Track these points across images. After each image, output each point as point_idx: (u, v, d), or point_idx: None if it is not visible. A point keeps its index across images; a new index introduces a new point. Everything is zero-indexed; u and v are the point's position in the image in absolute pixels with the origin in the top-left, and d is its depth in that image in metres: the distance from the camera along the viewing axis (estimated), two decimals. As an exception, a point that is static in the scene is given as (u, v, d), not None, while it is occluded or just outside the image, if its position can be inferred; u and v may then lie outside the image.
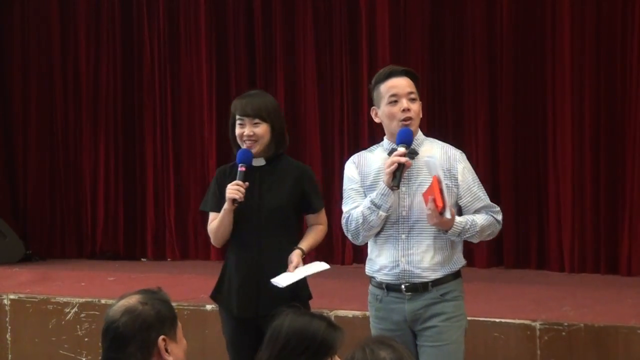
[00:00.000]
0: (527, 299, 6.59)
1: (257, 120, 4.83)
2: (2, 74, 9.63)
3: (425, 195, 4.37)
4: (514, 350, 5.77)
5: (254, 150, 4.83)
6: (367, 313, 5.99)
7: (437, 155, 4.49)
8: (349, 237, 4.58)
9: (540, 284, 7.21)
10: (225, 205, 4.78)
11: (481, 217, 4.50)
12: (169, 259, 9.11)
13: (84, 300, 7.01)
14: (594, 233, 7.61)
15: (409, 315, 4.48)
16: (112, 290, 7.16)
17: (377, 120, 4.60)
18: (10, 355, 7.16)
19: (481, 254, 7.72)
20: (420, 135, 4.56)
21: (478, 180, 4.58)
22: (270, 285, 4.68)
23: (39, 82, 9.52)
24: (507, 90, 7.89)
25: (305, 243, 4.86)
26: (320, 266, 4.80)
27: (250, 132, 4.83)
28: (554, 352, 5.69)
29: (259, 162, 4.87)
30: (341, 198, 4.69)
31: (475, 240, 4.57)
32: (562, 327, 5.69)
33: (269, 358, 3.16)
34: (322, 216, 4.97)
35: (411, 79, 4.55)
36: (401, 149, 4.39)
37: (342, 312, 6.11)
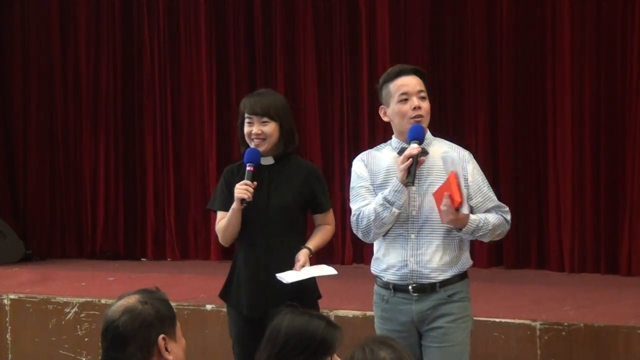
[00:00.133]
0: (527, 299, 6.59)
1: (265, 119, 4.83)
2: (2, 74, 9.63)
3: (436, 194, 4.36)
4: (514, 350, 5.77)
5: (262, 149, 4.84)
6: (368, 313, 6.03)
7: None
8: (360, 234, 4.54)
9: (540, 284, 7.21)
10: (234, 205, 4.79)
11: (493, 216, 4.50)
12: (169, 259, 9.11)
13: (84, 300, 7.01)
14: (594, 233, 7.61)
15: (416, 316, 4.48)
16: (112, 290, 7.16)
17: (385, 119, 4.58)
18: (10, 355, 7.16)
19: (481, 254, 7.72)
20: (429, 135, 4.55)
21: (486, 180, 4.58)
22: (278, 284, 4.69)
23: (39, 82, 9.52)
24: (507, 90, 7.89)
25: (313, 242, 4.87)
26: (327, 270, 4.78)
27: (258, 130, 4.83)
28: (554, 352, 5.69)
29: (267, 161, 4.88)
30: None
31: (486, 239, 4.57)
32: (562, 327, 5.69)
33: (269, 357, 3.16)
34: (330, 216, 4.99)
35: (420, 77, 4.55)
36: (414, 145, 4.37)
37: (342, 312, 6.11)
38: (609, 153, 7.59)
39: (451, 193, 4.27)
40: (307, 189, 4.86)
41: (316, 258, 5.04)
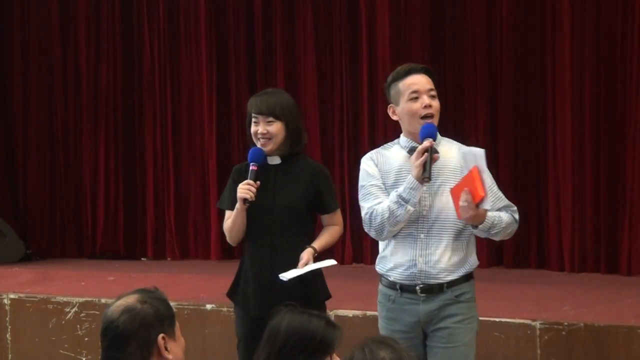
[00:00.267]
0: (527, 298, 6.59)
1: (270, 119, 4.83)
2: (2, 74, 9.63)
3: (453, 191, 4.35)
4: (514, 350, 5.77)
5: (267, 148, 4.84)
6: (368, 313, 6.03)
7: (454, 156, 4.48)
8: (372, 232, 4.50)
9: (540, 284, 7.21)
10: (237, 205, 4.81)
11: (505, 215, 4.49)
12: (169, 259, 9.11)
13: (84, 299, 7.01)
14: (594, 233, 7.61)
15: (423, 317, 4.47)
16: (112, 289, 7.15)
17: (395, 117, 4.57)
18: (10, 355, 7.16)
19: (481, 254, 7.63)
20: (438, 134, 4.55)
21: (494, 180, 4.58)
22: (283, 284, 4.70)
23: (39, 82, 9.52)
24: (507, 90, 7.89)
25: (319, 242, 4.86)
26: (327, 262, 4.79)
27: (264, 130, 4.83)
28: (554, 352, 5.69)
29: (274, 160, 4.88)
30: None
31: (497, 238, 4.56)
32: (562, 326, 5.69)
33: (268, 357, 3.16)
34: (337, 217, 4.97)
35: (429, 76, 4.55)
36: (427, 141, 4.35)
37: (342, 312, 6.11)
38: (609, 153, 7.59)
39: (474, 188, 4.24)
40: (312, 189, 4.85)
41: (318, 258, 5.03)
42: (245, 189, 4.76)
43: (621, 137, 7.54)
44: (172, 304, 3.19)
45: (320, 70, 8.56)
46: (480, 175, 4.27)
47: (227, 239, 5.00)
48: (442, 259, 4.46)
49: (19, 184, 9.63)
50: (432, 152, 4.34)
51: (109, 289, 7.30)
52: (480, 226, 4.39)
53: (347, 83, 8.46)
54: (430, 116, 4.47)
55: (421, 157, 4.33)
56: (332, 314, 6.04)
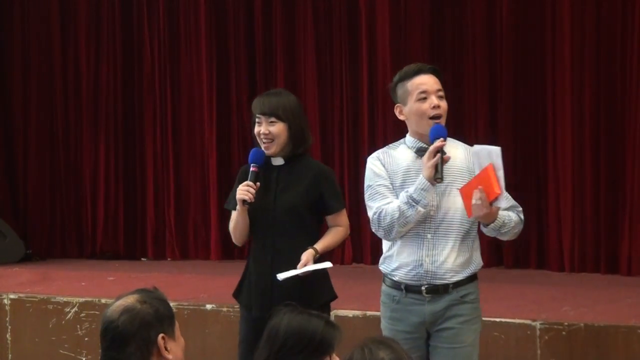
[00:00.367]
0: (527, 298, 6.59)
1: (272, 119, 4.83)
2: (2, 74, 9.62)
3: (463, 189, 4.34)
4: (514, 350, 5.77)
5: (270, 150, 4.84)
6: (368, 313, 6.03)
7: (460, 156, 4.48)
8: (381, 233, 4.49)
9: (540, 284, 7.21)
10: (238, 206, 4.81)
11: (513, 214, 4.48)
12: (169, 259, 9.11)
13: (84, 300, 7.01)
14: (594, 233, 7.61)
15: (429, 317, 4.47)
16: (112, 290, 7.15)
17: (401, 117, 4.55)
18: (10, 355, 7.16)
19: (481, 254, 7.70)
20: None
21: None
22: (284, 285, 4.71)
23: (39, 82, 9.52)
24: (507, 90, 7.89)
25: (320, 244, 4.83)
26: (322, 264, 4.79)
27: (266, 130, 4.84)
28: (554, 352, 5.69)
29: (277, 161, 4.89)
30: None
31: (506, 237, 4.55)
32: (562, 326, 5.69)
33: (268, 357, 3.16)
34: (342, 218, 4.94)
35: (437, 77, 4.53)
36: (439, 141, 4.34)
37: (342, 312, 6.10)
38: (609, 153, 7.59)
39: (489, 185, 4.23)
40: (314, 190, 4.84)
41: (321, 259, 5.02)
42: (244, 191, 4.77)
43: (621, 137, 7.54)
44: (172, 304, 3.20)
45: (320, 70, 8.56)
46: (495, 173, 4.26)
47: (232, 239, 5.02)
48: (449, 259, 4.45)
49: (19, 184, 9.63)
50: (442, 154, 4.34)
51: (109, 289, 7.30)
52: (492, 225, 4.38)
53: (347, 83, 8.45)
54: (439, 117, 4.46)
55: (433, 158, 4.32)
56: (332, 314, 6.03)
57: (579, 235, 7.63)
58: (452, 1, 8.10)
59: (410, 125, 4.55)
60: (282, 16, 8.66)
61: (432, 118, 4.45)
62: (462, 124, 7.97)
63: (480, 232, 4.58)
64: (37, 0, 9.50)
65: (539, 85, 7.80)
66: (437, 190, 4.42)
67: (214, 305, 6.56)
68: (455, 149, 4.51)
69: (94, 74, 9.34)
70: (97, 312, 6.79)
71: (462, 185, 4.40)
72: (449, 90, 7.95)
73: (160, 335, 3.08)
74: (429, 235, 4.45)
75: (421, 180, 4.36)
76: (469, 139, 7.78)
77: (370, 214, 4.52)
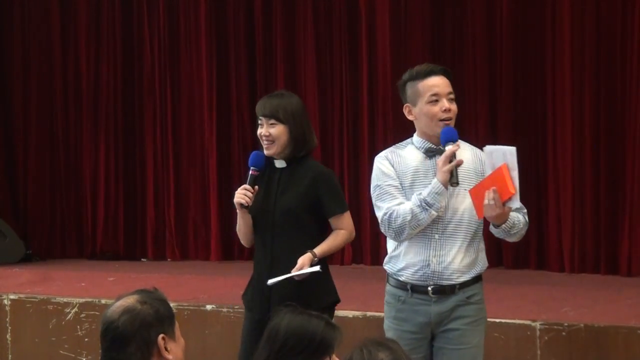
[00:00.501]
0: (526, 299, 6.60)
1: (272, 121, 4.83)
2: (2, 74, 9.62)
3: (473, 191, 4.33)
4: (514, 351, 5.77)
5: (271, 151, 4.85)
6: (368, 313, 6.03)
7: (467, 157, 4.46)
8: (391, 233, 4.47)
9: (540, 284, 7.21)
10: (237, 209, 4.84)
11: (520, 216, 4.48)
12: (169, 259, 9.10)
13: (84, 300, 7.01)
14: (594, 233, 7.61)
15: (435, 317, 4.46)
16: (112, 290, 7.15)
17: (410, 117, 4.53)
18: (10, 356, 7.16)
19: (482, 254, 7.72)
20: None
21: None
22: (282, 288, 4.73)
23: (39, 82, 9.52)
24: (507, 90, 7.89)
25: (320, 247, 4.81)
26: (311, 268, 4.74)
27: (266, 132, 4.84)
28: (554, 353, 5.69)
29: (280, 163, 4.89)
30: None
31: (513, 239, 4.55)
32: (562, 327, 5.69)
33: (268, 357, 3.16)
34: (343, 221, 4.89)
35: (448, 78, 4.52)
36: (451, 146, 4.34)
37: (342, 312, 6.09)
38: (609, 153, 7.59)
39: (504, 185, 4.21)
40: (312, 192, 4.83)
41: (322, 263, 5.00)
42: (241, 194, 4.80)
43: (621, 137, 7.54)
44: (172, 304, 3.19)
45: (320, 70, 8.56)
46: (510, 173, 4.25)
47: (241, 241, 5.06)
48: (456, 260, 4.45)
49: (19, 184, 9.63)
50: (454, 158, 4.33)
51: (109, 290, 7.30)
52: (503, 225, 4.37)
53: (347, 83, 8.45)
54: (449, 120, 4.45)
55: (449, 162, 4.31)
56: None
57: (579, 236, 7.63)
58: (452, 1, 8.10)
59: (419, 126, 4.53)
60: (282, 16, 8.66)
61: (443, 121, 4.44)
62: (462, 124, 7.89)
63: (484, 233, 4.58)
64: (37, 0, 9.50)
65: (539, 85, 7.80)
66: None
67: (214, 306, 6.56)
68: (463, 150, 4.49)
69: (94, 74, 9.34)
70: (97, 313, 6.78)
71: (469, 186, 4.38)
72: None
73: (161, 335, 3.08)
74: (436, 236, 4.45)
75: (436, 184, 4.35)
76: (469, 139, 7.75)
77: (379, 214, 4.49)
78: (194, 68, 9.00)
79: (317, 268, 4.75)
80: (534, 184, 7.84)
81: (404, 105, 4.54)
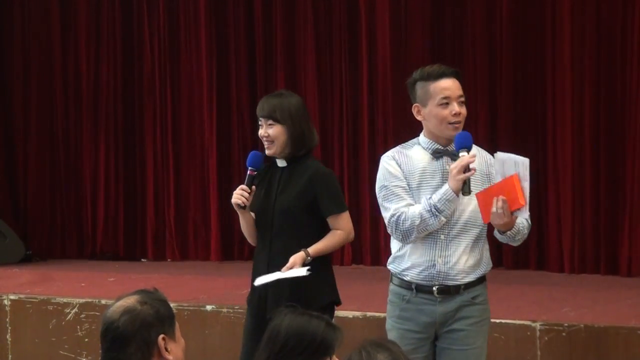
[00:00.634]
0: (527, 299, 6.59)
1: (270, 122, 4.84)
2: (2, 74, 9.62)
3: (480, 195, 4.32)
4: (514, 351, 5.77)
5: (270, 151, 4.86)
6: (368, 314, 6.03)
7: (476, 160, 4.44)
8: (398, 235, 4.45)
9: (540, 285, 7.21)
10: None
11: (524, 220, 4.49)
12: (169, 260, 9.10)
13: (84, 300, 7.01)
14: (594, 233, 7.61)
15: (439, 317, 4.46)
16: (112, 290, 7.15)
17: (419, 117, 4.50)
18: (10, 356, 7.16)
19: (481, 255, 7.72)
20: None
21: None
22: (276, 287, 4.73)
23: (39, 82, 9.52)
24: (507, 90, 7.89)
25: (314, 246, 4.79)
26: (300, 271, 4.72)
27: (265, 133, 4.86)
28: (554, 353, 5.69)
29: (281, 163, 4.90)
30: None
31: (516, 244, 4.56)
32: (562, 327, 5.69)
33: (268, 358, 3.16)
34: (340, 221, 4.86)
35: (459, 80, 4.51)
36: (465, 154, 4.32)
37: (342, 313, 6.09)
38: (609, 153, 7.59)
39: (514, 196, 4.22)
40: (309, 191, 4.82)
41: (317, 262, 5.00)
42: (238, 195, 4.82)
43: (621, 137, 7.54)
44: (172, 305, 3.19)
45: (320, 70, 8.56)
46: (520, 184, 4.24)
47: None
48: (461, 260, 4.45)
49: (19, 184, 9.63)
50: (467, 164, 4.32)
51: (109, 290, 7.30)
52: (509, 232, 4.39)
53: (347, 83, 8.45)
54: (458, 123, 4.44)
55: (463, 172, 4.28)
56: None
57: (579, 236, 7.63)
58: (452, 1, 8.10)
59: (427, 127, 4.51)
60: (282, 16, 8.66)
61: (452, 124, 4.42)
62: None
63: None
64: (37, 0, 9.50)
65: (539, 85, 7.80)
66: None
67: (214, 306, 6.56)
68: (471, 152, 4.48)
69: (94, 74, 9.34)
70: (97, 313, 6.78)
71: (475, 187, 4.37)
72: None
73: (161, 336, 3.08)
74: (442, 237, 4.44)
75: (447, 191, 4.33)
76: (469, 140, 7.85)
77: (386, 215, 4.47)
78: (194, 68, 8.99)
79: (304, 271, 4.69)
80: (533, 184, 7.81)
81: (413, 105, 4.52)
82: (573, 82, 7.64)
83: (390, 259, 4.59)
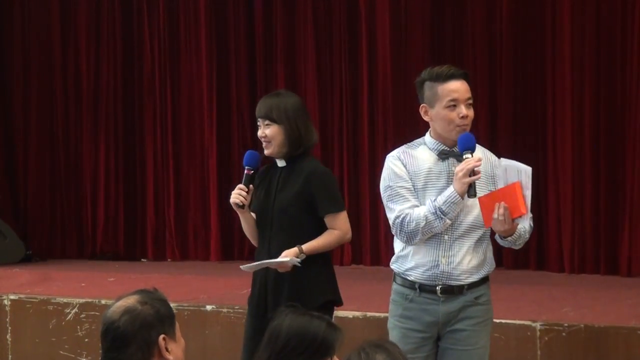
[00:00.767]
0: (527, 299, 6.59)
1: (267, 122, 4.84)
2: (2, 74, 9.62)
3: (482, 199, 4.31)
4: (514, 351, 5.77)
5: (270, 151, 4.86)
6: (368, 314, 6.03)
7: (480, 163, 4.44)
8: (403, 237, 4.44)
9: (540, 285, 7.21)
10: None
11: (527, 226, 4.49)
12: (169, 260, 9.11)
13: (84, 300, 7.01)
14: (594, 233, 7.61)
15: (442, 317, 4.46)
16: (112, 290, 7.15)
17: (426, 118, 4.48)
18: (10, 356, 7.16)
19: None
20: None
21: None
22: (275, 285, 4.74)
23: (39, 82, 9.52)
24: (507, 91, 7.89)
25: (309, 244, 4.78)
26: (285, 258, 4.71)
27: (262, 133, 4.86)
28: (554, 353, 5.69)
29: (281, 162, 4.90)
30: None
31: (517, 247, 4.57)
32: (562, 327, 5.69)
33: (269, 357, 3.16)
34: (337, 221, 4.85)
35: (467, 82, 4.50)
36: (469, 156, 4.31)
37: (342, 313, 6.09)
38: (609, 153, 7.59)
39: (516, 204, 4.23)
40: (306, 190, 4.81)
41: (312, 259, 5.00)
42: (235, 194, 4.83)
43: (621, 137, 7.54)
44: (172, 305, 3.19)
45: (320, 70, 8.56)
46: (523, 192, 4.24)
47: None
48: (464, 261, 4.45)
49: (19, 184, 9.63)
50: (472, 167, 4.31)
51: (109, 290, 7.30)
52: (510, 238, 4.39)
53: (347, 83, 8.45)
54: (465, 126, 4.42)
55: (468, 176, 4.27)
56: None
57: (579, 236, 7.63)
58: (452, 1, 8.10)
59: (434, 128, 4.48)
60: (282, 16, 8.66)
61: (460, 126, 4.41)
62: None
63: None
64: (37, 0, 9.50)
65: (539, 85, 7.80)
66: None
67: (214, 306, 6.56)
68: (474, 153, 4.47)
69: (94, 74, 9.35)
70: (97, 313, 6.78)
71: (479, 188, 4.36)
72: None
73: (161, 335, 3.08)
74: (446, 237, 4.43)
75: (452, 194, 4.32)
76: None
77: (391, 216, 4.46)
78: (194, 68, 9.00)
79: (295, 261, 4.69)
80: (533, 184, 7.81)
81: (421, 105, 4.49)
82: (573, 82, 7.64)
83: (393, 259, 4.59)
